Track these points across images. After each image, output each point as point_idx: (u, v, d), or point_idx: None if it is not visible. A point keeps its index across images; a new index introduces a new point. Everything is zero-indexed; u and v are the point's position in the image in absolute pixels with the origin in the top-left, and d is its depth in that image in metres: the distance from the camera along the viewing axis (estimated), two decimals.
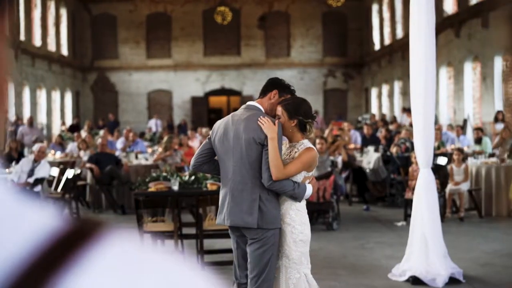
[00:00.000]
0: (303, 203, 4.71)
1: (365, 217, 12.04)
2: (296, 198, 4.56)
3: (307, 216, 4.75)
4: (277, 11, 34.35)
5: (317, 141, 11.36)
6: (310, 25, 34.32)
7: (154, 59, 33.93)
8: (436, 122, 18.87)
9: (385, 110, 30.30)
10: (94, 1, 34.20)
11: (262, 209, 4.50)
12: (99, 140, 13.80)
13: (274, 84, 4.83)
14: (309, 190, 4.62)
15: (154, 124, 28.50)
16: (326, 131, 16.91)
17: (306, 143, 4.69)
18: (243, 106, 4.85)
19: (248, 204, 4.53)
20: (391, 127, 19.81)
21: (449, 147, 15.35)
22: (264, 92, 4.82)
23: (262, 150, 4.52)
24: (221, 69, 34.22)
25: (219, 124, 4.82)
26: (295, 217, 4.62)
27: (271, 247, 4.56)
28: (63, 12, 32.07)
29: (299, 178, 4.60)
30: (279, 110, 4.69)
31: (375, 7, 32.30)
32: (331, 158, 11.95)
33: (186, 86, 33.71)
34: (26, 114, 25.57)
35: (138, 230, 8.03)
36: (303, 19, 34.21)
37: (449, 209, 11.37)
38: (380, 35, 31.51)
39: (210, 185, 8.50)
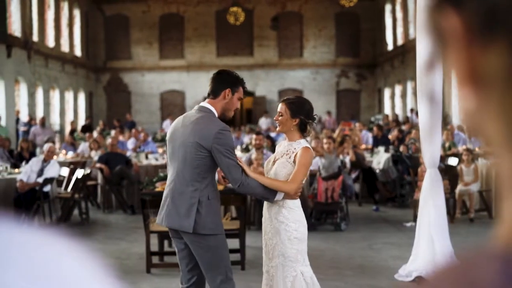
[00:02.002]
0: (297, 201, 4.69)
1: (374, 217, 11.99)
2: (267, 198, 4.56)
3: (302, 214, 4.73)
4: (290, 12, 34.32)
5: (325, 140, 11.33)
6: (323, 25, 34.26)
7: (167, 59, 34.01)
8: (448, 122, 18.77)
9: (398, 110, 30.18)
10: (107, 2, 34.33)
11: (200, 214, 4.41)
12: (109, 140, 13.85)
13: (225, 83, 4.61)
14: (280, 195, 4.58)
15: (169, 125, 28.63)
16: (336, 131, 16.86)
17: (303, 142, 4.68)
18: (195, 107, 4.68)
19: (186, 207, 4.44)
20: (404, 127, 19.73)
21: (460, 148, 15.25)
22: (216, 92, 4.60)
23: (207, 155, 4.41)
24: (233, 69, 33.01)
25: (172, 124, 4.79)
26: (288, 215, 4.62)
27: (218, 250, 4.48)
28: (77, 13, 32.22)
29: (282, 174, 4.62)
30: (282, 107, 4.71)
31: (388, 7, 32.18)
32: (340, 157, 11.90)
33: (198, 86, 33.73)
34: (39, 114, 25.70)
35: (145, 230, 8.04)
36: (316, 20, 34.15)
37: (459, 209, 11.29)
38: (393, 35, 31.39)
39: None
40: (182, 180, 4.48)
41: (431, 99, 6.89)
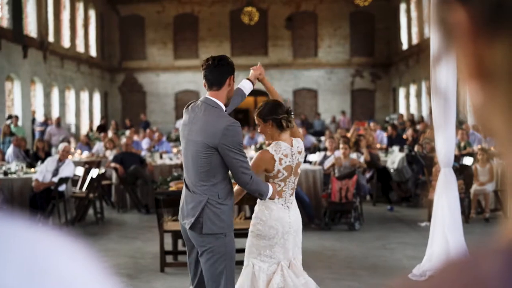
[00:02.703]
0: (271, 203, 4.75)
1: (389, 217, 11.95)
2: (262, 195, 4.59)
3: (271, 215, 4.75)
4: (305, 11, 34.29)
5: (341, 146, 11.27)
6: (338, 25, 34.18)
7: (182, 59, 34.09)
8: (464, 122, 18.68)
9: (413, 110, 30.06)
10: (122, 2, 34.47)
11: (207, 214, 4.28)
12: (123, 140, 13.91)
13: (227, 70, 4.40)
14: (270, 190, 4.64)
15: None
16: (350, 131, 16.83)
17: (273, 145, 4.79)
18: (201, 100, 4.44)
19: (193, 206, 4.33)
20: (418, 127, 19.65)
21: (475, 147, 15.17)
22: (220, 82, 4.37)
23: (213, 153, 4.25)
24: (248, 69, 33.29)
25: (183, 120, 4.58)
26: (258, 212, 4.78)
27: (222, 257, 4.30)
28: (92, 14, 32.39)
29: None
30: (256, 120, 4.86)
31: (402, 7, 32.07)
32: (353, 156, 11.86)
33: None
34: (55, 114, 25.87)
35: (159, 229, 8.07)
36: (331, 19, 34.09)
37: (474, 209, 11.23)
38: (407, 35, 31.27)
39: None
40: (192, 178, 4.37)
41: (442, 93, 6.86)
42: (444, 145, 7.19)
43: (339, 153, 11.41)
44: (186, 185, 4.46)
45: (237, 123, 4.32)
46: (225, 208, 4.32)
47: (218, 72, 4.38)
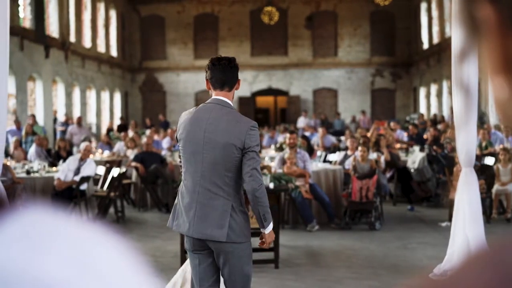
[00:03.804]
0: None
1: (409, 217, 11.90)
2: (266, 215, 4.35)
3: None
4: (325, 11, 34.21)
5: (359, 148, 11.22)
6: (358, 24, 34.07)
7: (202, 59, 34.13)
8: (486, 122, 18.53)
9: (434, 109, 29.87)
10: (143, 2, 34.64)
11: (235, 220, 4.10)
12: (144, 140, 13.99)
13: (237, 72, 4.32)
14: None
15: None
16: (370, 131, 16.78)
17: None
18: (214, 101, 4.25)
19: (219, 214, 4.09)
20: (439, 126, 19.54)
21: (497, 147, 15.05)
22: (233, 83, 4.27)
23: (239, 156, 4.10)
24: (268, 69, 34.26)
25: (185, 120, 4.29)
26: None
27: (246, 261, 4.20)
28: (113, 14, 32.58)
29: None
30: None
31: (423, 6, 31.88)
32: (374, 156, 11.82)
33: None
34: (76, 114, 26.06)
35: None
36: (351, 19, 33.98)
37: (495, 209, 11.15)
38: (428, 34, 31.08)
39: None
40: (211, 184, 4.11)
41: (465, 91, 6.82)
42: (465, 145, 7.15)
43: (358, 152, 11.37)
44: (199, 193, 4.16)
45: (256, 124, 4.24)
46: (247, 215, 4.22)
47: (233, 73, 4.28)
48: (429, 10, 31.10)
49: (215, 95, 4.26)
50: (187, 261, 4.94)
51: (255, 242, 4.49)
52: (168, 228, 4.40)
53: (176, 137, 4.35)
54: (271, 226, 4.27)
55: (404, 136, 17.86)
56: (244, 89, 33.58)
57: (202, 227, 4.12)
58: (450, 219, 10.39)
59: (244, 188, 4.17)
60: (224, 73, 4.24)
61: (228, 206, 4.10)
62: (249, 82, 34.02)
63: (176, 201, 4.33)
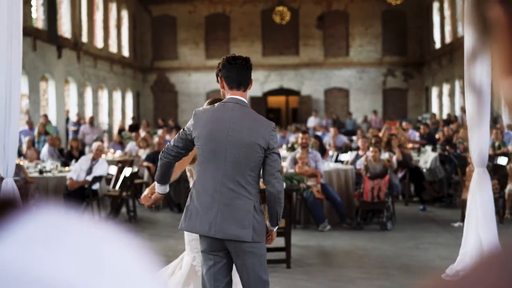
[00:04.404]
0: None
1: (421, 217, 11.87)
2: (279, 216, 4.36)
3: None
4: (336, 10, 34.15)
5: (371, 149, 11.18)
6: (369, 24, 33.98)
7: (213, 59, 34.15)
8: (499, 121, 18.43)
9: (446, 109, 29.76)
10: (154, 2, 34.71)
11: (257, 220, 4.09)
12: (156, 139, 14.02)
13: (251, 72, 4.30)
14: None
15: None
16: (382, 131, 16.74)
17: None
18: (233, 101, 4.18)
19: (243, 214, 4.06)
20: (452, 126, 19.48)
21: (510, 147, 14.98)
22: (248, 83, 4.26)
23: (262, 156, 4.09)
24: (279, 69, 34.24)
25: (204, 119, 4.17)
26: None
27: (264, 259, 4.22)
28: (124, 14, 32.68)
29: None
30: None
31: (435, 5, 31.75)
32: (386, 156, 11.78)
33: None
34: (88, 114, 26.16)
35: None
36: (362, 18, 33.90)
37: (508, 209, 11.09)
38: (440, 33, 30.96)
39: None
40: (234, 184, 4.07)
41: (477, 91, 6.79)
42: (478, 145, 7.12)
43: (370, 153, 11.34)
44: (221, 193, 4.10)
45: (275, 125, 4.28)
46: (263, 214, 4.20)
47: (248, 73, 4.26)
48: (441, 9, 30.97)
49: (231, 94, 4.22)
50: (183, 259, 4.94)
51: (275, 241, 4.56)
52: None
53: (189, 134, 4.20)
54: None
55: (416, 136, 17.80)
56: (255, 89, 33.56)
57: (226, 227, 4.06)
58: (462, 220, 10.35)
59: (268, 189, 4.14)
60: (240, 73, 4.22)
61: (251, 206, 4.08)
62: (260, 82, 34.00)
63: (188, 201, 4.24)
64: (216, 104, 4.25)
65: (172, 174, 4.43)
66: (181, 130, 4.30)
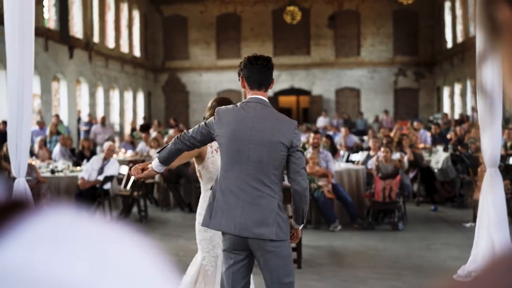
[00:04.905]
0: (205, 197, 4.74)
1: (433, 217, 11.82)
2: (304, 215, 4.37)
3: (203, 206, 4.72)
4: (347, 10, 34.10)
5: (382, 149, 11.15)
6: (381, 23, 33.90)
7: (224, 59, 34.22)
8: (511, 121, 18.33)
9: (458, 109, 29.64)
10: (165, 3, 34.78)
11: (282, 218, 4.09)
12: (165, 139, 14.06)
13: (272, 72, 4.30)
14: None
15: None
16: (393, 131, 16.69)
17: None
18: (255, 100, 4.19)
19: (267, 213, 4.06)
20: (463, 126, 19.39)
21: None
22: (269, 83, 4.26)
23: (286, 154, 4.09)
24: (290, 68, 34.22)
25: (228, 117, 4.17)
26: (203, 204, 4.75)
27: (290, 258, 4.21)
28: (136, 14, 32.76)
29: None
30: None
31: (447, 4, 31.62)
32: (397, 156, 11.75)
33: None
34: (100, 114, 26.25)
35: None
36: (374, 18, 33.83)
37: None
38: (452, 33, 30.83)
39: None
40: (258, 183, 4.07)
41: (487, 92, 6.75)
42: (490, 145, 7.08)
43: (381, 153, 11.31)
44: (246, 192, 4.11)
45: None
46: (286, 212, 4.19)
47: (269, 74, 4.25)
48: (453, 8, 30.85)
49: (252, 94, 4.23)
50: (198, 260, 4.95)
51: None
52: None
53: (211, 131, 4.20)
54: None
55: (428, 135, 17.73)
56: None
57: (251, 226, 4.07)
58: (474, 220, 10.29)
59: (293, 186, 4.14)
60: (261, 74, 4.22)
61: (275, 204, 4.08)
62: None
63: (210, 200, 4.24)
64: (238, 104, 4.27)
65: (174, 160, 4.46)
66: (202, 123, 4.29)
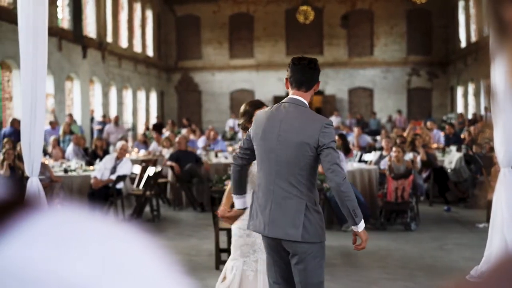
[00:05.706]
0: None
1: (446, 218, 11.77)
2: (356, 213, 4.22)
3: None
4: (360, 9, 34.02)
5: (394, 149, 11.11)
6: (394, 23, 33.80)
7: (237, 59, 34.25)
8: None
9: (471, 109, 29.48)
10: (178, 2, 34.86)
11: (310, 220, 4.03)
12: (177, 139, 14.10)
13: (317, 74, 4.25)
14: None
15: (232, 123, 28.75)
16: (406, 131, 16.63)
17: None
18: (289, 100, 4.21)
19: (293, 214, 4.04)
20: (477, 125, 19.29)
21: None
22: (310, 84, 4.21)
23: (312, 155, 4.05)
24: None
25: (260, 118, 4.25)
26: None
27: (320, 262, 4.14)
28: (149, 14, 32.85)
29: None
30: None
31: (461, 4, 31.47)
32: (410, 156, 11.71)
33: (268, 85, 33.84)
34: (113, 113, 26.34)
35: (214, 227, 8.14)
36: (387, 17, 33.73)
37: None
38: (466, 32, 30.67)
39: None
40: (285, 183, 4.08)
41: (492, 93, 6.72)
42: (504, 145, 7.04)
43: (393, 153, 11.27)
44: (274, 193, 4.13)
45: (331, 122, 4.20)
46: (322, 215, 4.15)
47: (311, 74, 4.23)
48: (466, 8, 30.69)
49: (292, 94, 4.24)
50: (232, 263, 4.97)
51: None
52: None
53: (249, 134, 4.34)
54: (363, 222, 4.24)
55: (441, 135, 17.66)
56: (279, 88, 33.54)
57: (277, 227, 4.09)
58: (487, 220, 10.23)
59: (328, 185, 4.17)
60: (302, 73, 4.21)
61: (302, 205, 4.04)
62: (284, 82, 33.88)
63: (251, 202, 4.34)
64: (275, 105, 4.31)
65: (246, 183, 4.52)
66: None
